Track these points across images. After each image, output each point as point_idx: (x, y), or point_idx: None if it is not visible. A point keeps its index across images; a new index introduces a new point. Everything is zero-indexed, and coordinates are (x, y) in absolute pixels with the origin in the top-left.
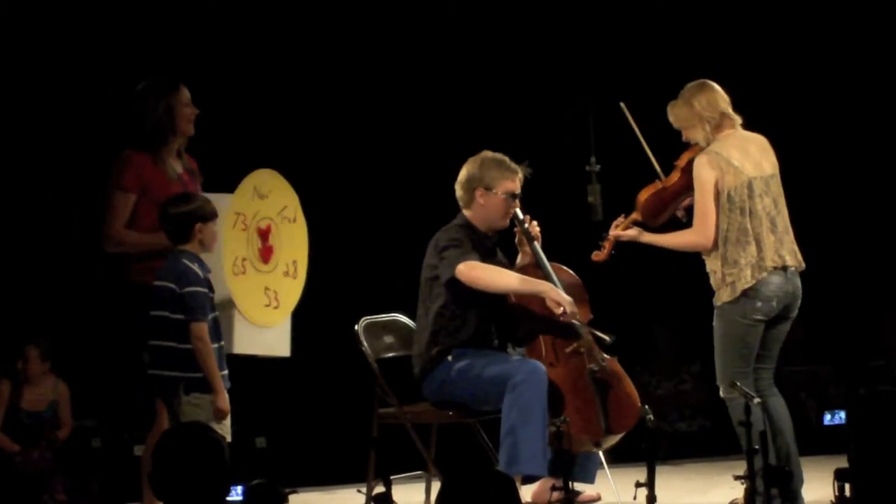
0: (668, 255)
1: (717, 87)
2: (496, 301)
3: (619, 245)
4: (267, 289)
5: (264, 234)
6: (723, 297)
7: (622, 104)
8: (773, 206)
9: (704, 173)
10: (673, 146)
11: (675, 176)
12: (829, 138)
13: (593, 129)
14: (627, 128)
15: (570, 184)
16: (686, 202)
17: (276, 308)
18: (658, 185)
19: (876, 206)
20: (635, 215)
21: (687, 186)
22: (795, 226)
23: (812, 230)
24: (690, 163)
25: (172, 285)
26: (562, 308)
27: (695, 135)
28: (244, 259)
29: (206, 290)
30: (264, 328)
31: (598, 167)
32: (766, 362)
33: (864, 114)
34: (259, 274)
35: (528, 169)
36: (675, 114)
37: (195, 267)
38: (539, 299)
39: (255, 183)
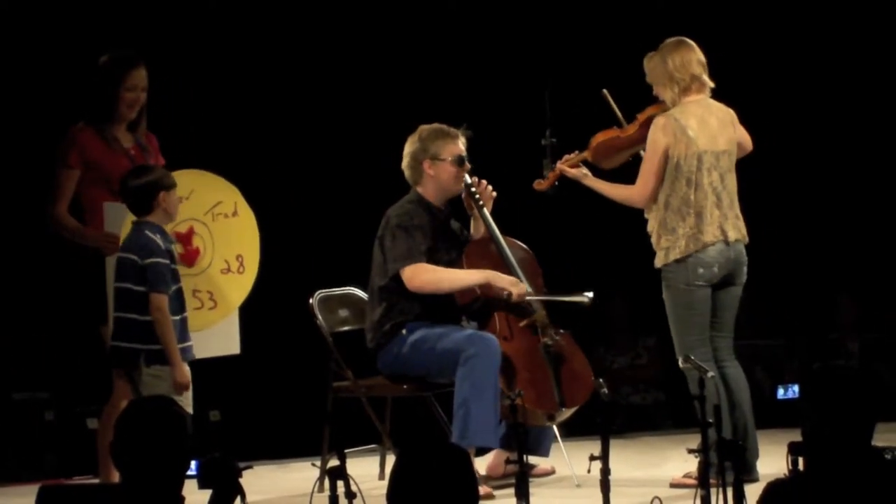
0: (622, 232)
1: (694, 46)
2: None
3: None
4: (197, 291)
5: (185, 238)
6: (659, 260)
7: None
8: (719, 181)
9: (658, 137)
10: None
11: (633, 128)
12: (789, 120)
13: (549, 103)
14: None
15: (525, 157)
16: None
17: (212, 308)
18: (615, 131)
19: (833, 182)
20: (586, 154)
21: (641, 140)
22: (753, 201)
23: (769, 205)
24: (650, 119)
25: (135, 257)
26: (506, 292)
27: (663, 93)
28: None
29: (167, 262)
30: (204, 330)
31: (553, 140)
32: (721, 330)
33: (827, 97)
34: (182, 279)
35: (468, 132)
36: (650, 68)
37: (158, 238)
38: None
39: None
